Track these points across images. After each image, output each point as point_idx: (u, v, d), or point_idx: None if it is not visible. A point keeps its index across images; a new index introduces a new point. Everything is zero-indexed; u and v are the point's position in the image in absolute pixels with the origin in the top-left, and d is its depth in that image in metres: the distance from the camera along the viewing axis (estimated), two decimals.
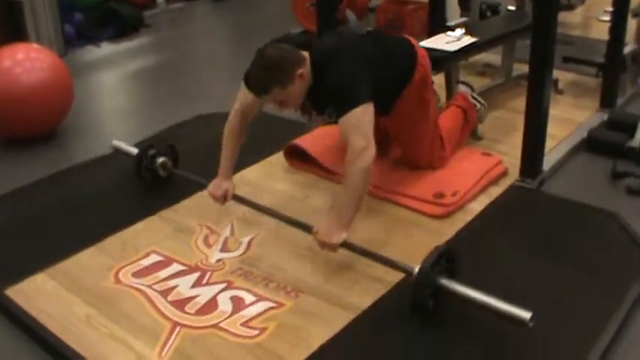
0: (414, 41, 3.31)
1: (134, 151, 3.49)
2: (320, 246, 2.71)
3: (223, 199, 3.08)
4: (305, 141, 3.66)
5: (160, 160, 3.43)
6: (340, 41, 3.11)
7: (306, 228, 2.81)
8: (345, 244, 2.68)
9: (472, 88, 3.90)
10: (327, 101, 2.86)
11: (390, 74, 3.06)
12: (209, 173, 3.10)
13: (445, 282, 2.42)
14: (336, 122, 2.78)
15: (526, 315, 2.23)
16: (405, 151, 3.47)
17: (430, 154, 3.43)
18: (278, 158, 3.70)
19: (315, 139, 3.71)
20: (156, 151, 3.44)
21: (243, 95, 3.00)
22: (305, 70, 2.79)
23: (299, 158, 3.63)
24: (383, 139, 3.46)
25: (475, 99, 3.81)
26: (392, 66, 3.09)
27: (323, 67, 2.82)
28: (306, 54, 2.84)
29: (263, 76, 2.74)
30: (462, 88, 3.87)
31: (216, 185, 3.09)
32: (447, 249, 2.54)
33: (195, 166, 3.38)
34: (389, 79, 3.07)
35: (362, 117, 2.69)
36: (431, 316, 2.44)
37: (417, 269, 2.44)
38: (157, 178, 3.44)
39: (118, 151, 3.68)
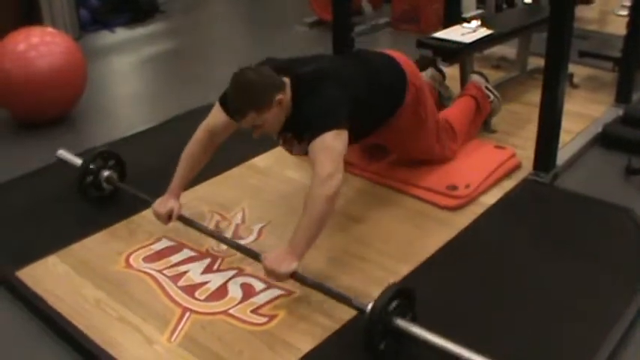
0: (402, 60, 3.14)
1: (78, 162, 3.24)
2: (267, 274, 2.48)
3: (167, 218, 2.87)
4: None
5: (106, 173, 3.20)
6: (321, 66, 2.85)
7: (253, 255, 2.63)
8: (295, 275, 2.44)
9: (486, 79, 3.86)
10: (305, 128, 2.64)
11: (378, 95, 2.94)
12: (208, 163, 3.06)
13: (401, 323, 2.19)
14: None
15: None
16: (408, 157, 3.40)
17: (435, 155, 3.37)
18: None
19: None
20: (101, 163, 3.20)
21: (216, 113, 2.86)
22: (284, 96, 2.63)
23: None
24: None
25: (489, 90, 3.78)
26: (380, 87, 2.95)
27: (303, 94, 2.67)
28: (286, 80, 2.69)
29: (239, 98, 2.60)
30: (475, 77, 3.83)
31: (162, 203, 2.88)
32: (405, 288, 2.28)
33: None
34: (378, 100, 2.94)
35: (332, 142, 2.52)
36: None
37: (369, 307, 2.20)
38: (101, 192, 3.22)
39: (61, 162, 3.41)
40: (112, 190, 3.23)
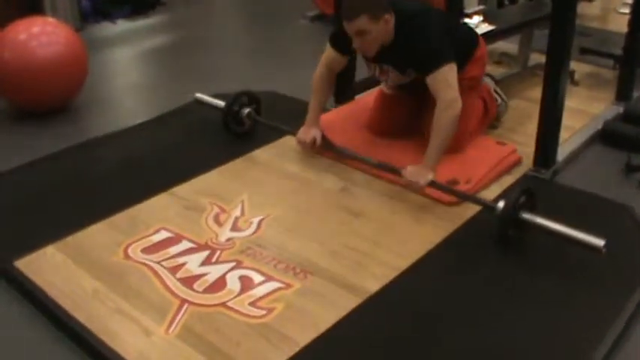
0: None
1: (220, 103, 3.81)
2: (407, 185, 3.06)
3: (312, 144, 3.40)
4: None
5: (246, 110, 3.74)
6: (423, 7, 3.25)
7: (394, 171, 3.14)
8: (432, 184, 3.01)
9: (495, 82, 3.87)
10: (409, 61, 3.16)
11: (460, 42, 3.31)
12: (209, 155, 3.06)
13: (527, 215, 2.73)
14: (407, 80, 3.22)
15: (600, 242, 2.54)
16: None
17: (465, 133, 3.41)
18: (291, 140, 3.68)
19: (330, 121, 3.69)
20: (241, 102, 3.76)
21: (329, 52, 3.39)
22: (391, 19, 3.04)
23: None
24: (414, 116, 3.54)
25: (497, 93, 3.80)
26: (460, 37, 3.39)
27: (408, 27, 3.07)
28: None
29: (356, 1, 2.99)
30: (485, 79, 3.83)
31: (305, 132, 3.42)
32: (528, 188, 2.82)
33: (196, 148, 3.35)
34: (459, 46, 3.27)
35: (449, 74, 3.03)
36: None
37: (501, 204, 2.75)
38: (242, 127, 3.78)
39: (199, 103, 4.05)
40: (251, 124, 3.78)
